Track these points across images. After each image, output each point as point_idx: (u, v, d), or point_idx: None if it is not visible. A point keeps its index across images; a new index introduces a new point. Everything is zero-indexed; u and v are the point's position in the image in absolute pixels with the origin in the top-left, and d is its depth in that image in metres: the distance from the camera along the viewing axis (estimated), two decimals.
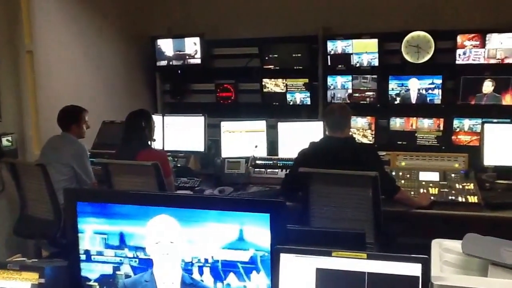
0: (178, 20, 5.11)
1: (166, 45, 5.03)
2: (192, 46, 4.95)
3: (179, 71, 5.12)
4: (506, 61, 4.05)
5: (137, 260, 1.55)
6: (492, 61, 4.09)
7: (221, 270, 1.50)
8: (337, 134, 3.29)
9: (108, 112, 4.63)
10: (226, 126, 4.34)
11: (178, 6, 5.13)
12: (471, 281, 1.56)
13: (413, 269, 1.45)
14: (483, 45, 4.08)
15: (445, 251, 1.78)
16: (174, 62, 5.05)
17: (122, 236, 1.56)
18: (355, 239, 1.91)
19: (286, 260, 1.48)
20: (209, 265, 1.50)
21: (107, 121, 4.54)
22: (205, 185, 3.90)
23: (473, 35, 4.10)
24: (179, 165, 4.24)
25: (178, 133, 4.46)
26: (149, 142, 3.61)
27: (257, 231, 1.48)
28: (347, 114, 3.40)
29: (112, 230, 1.57)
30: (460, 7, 4.27)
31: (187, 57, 4.98)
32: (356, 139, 4.35)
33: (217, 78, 5.07)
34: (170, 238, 1.51)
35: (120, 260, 1.57)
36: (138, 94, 5.25)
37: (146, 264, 1.55)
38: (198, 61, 4.96)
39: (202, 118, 4.38)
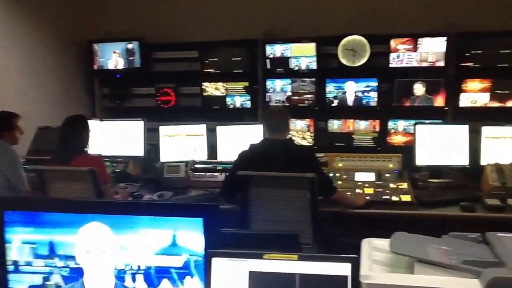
0: (116, 23, 5.01)
1: (105, 49, 4.92)
2: (131, 49, 4.87)
3: (117, 75, 5.02)
4: (437, 64, 4.24)
5: (67, 269, 1.51)
6: (424, 64, 4.27)
7: (154, 276, 1.48)
8: (276, 136, 3.33)
9: (45, 118, 4.47)
10: (165, 130, 4.29)
11: (117, 9, 5.04)
12: (398, 278, 1.61)
13: (343, 269, 1.47)
14: (415, 49, 4.25)
15: (374, 250, 1.83)
16: (113, 66, 4.94)
17: (52, 245, 1.51)
18: (289, 241, 1.93)
19: (219, 264, 1.47)
20: (142, 271, 1.48)
21: (42, 127, 4.38)
22: (145, 190, 3.83)
23: (405, 39, 4.26)
24: (117, 170, 4.15)
25: (116, 138, 4.36)
26: (85, 148, 3.52)
27: (191, 235, 1.47)
28: (286, 117, 3.45)
29: (41, 239, 1.51)
30: (393, 12, 4.44)
31: (126, 61, 4.89)
32: (295, 141, 4.44)
33: (157, 82, 5.02)
34: (101, 247, 1.48)
35: (50, 270, 1.52)
36: (76, 98, 5.10)
37: (77, 273, 1.51)
38: (138, 65, 4.88)
39: (141, 122, 4.31)
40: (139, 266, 1.48)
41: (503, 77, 4.17)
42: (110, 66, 4.96)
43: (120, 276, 1.48)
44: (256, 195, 3.08)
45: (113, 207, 1.56)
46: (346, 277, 1.46)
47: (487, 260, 1.64)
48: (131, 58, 4.89)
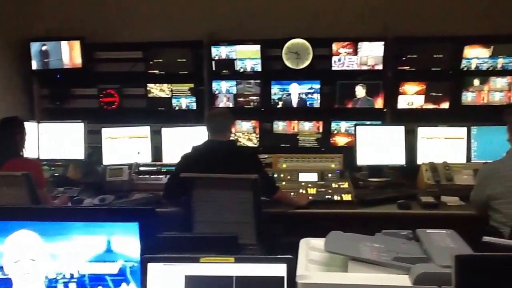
0: (56, 22, 4.84)
1: (44, 48, 4.76)
2: (72, 49, 4.73)
3: (57, 75, 4.87)
4: (376, 67, 4.36)
5: None
6: (364, 68, 4.39)
7: (88, 284, 1.45)
8: (219, 138, 3.35)
9: None
10: (108, 132, 4.21)
11: (57, 8, 4.88)
12: (332, 277, 1.66)
13: (279, 270, 1.49)
14: (355, 52, 4.36)
15: (311, 250, 1.87)
16: (52, 66, 4.79)
17: None
18: (228, 243, 1.94)
19: (155, 269, 1.45)
20: (75, 280, 1.45)
21: None
22: (85, 194, 3.75)
23: (346, 43, 4.36)
24: (56, 174, 4.04)
25: (55, 140, 4.24)
26: (20, 151, 3.40)
27: (126, 241, 1.46)
28: (228, 119, 3.47)
29: None
30: (335, 17, 4.53)
31: (66, 60, 4.75)
32: (240, 142, 4.47)
33: (100, 82, 4.89)
34: (30, 256, 1.44)
35: None
36: (14, 99, 4.89)
37: (5, 284, 1.46)
38: (79, 65, 4.75)
39: (82, 124, 4.21)
40: (72, 275, 1.45)
41: (437, 80, 4.34)
42: (50, 66, 4.79)
43: (51, 285, 1.44)
44: (199, 197, 3.08)
45: (43, 213, 1.52)
46: (282, 277, 1.48)
47: (416, 256, 1.71)
48: (71, 58, 4.74)
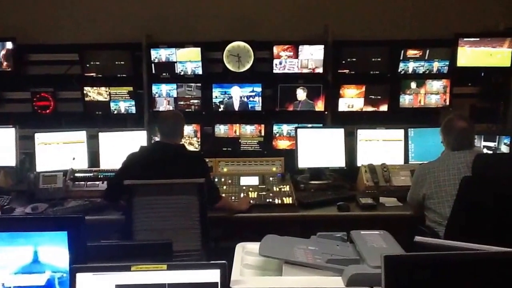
0: None
1: None
2: (3, 51, 4.51)
3: None
4: (317, 70, 4.41)
5: None
6: (305, 71, 4.42)
7: None
8: (169, 140, 3.28)
9: None
10: (42, 137, 4.03)
11: None
12: (266, 281, 1.64)
13: (213, 276, 1.47)
14: (296, 55, 4.39)
15: (247, 254, 1.85)
16: None
17: None
18: (163, 250, 1.89)
19: (84, 279, 1.40)
20: None
21: None
22: (17, 202, 3.57)
23: (287, 46, 4.39)
24: None
25: None
26: None
27: (54, 251, 1.40)
28: (180, 121, 3.42)
29: None
30: (276, 20, 4.56)
31: None
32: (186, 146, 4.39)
33: (33, 86, 4.68)
34: None
35: None
36: None
37: None
38: (10, 67, 4.52)
39: (13, 129, 4.01)
40: None
41: (376, 83, 4.44)
42: None
43: None
44: (141, 203, 2.98)
45: None
46: (216, 283, 1.46)
47: (349, 257, 1.72)
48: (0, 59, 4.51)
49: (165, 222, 2.99)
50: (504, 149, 4.07)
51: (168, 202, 3.00)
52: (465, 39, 4.33)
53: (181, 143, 3.46)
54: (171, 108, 4.48)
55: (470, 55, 4.33)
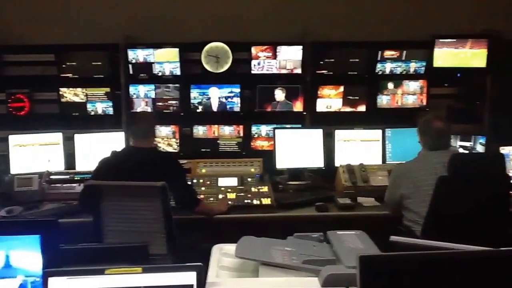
0: None
1: None
2: None
3: None
4: (295, 71, 4.41)
5: None
6: (283, 71, 4.42)
7: None
8: (142, 143, 3.25)
9: None
10: (16, 139, 3.96)
11: None
12: (242, 283, 1.63)
13: (189, 278, 1.46)
14: (274, 56, 4.39)
15: (223, 256, 1.84)
16: None
17: None
18: (138, 253, 1.87)
19: (57, 284, 1.37)
20: None
21: None
22: None
23: (265, 47, 4.38)
24: None
25: None
26: None
27: (27, 255, 1.38)
28: (151, 122, 3.38)
29: None
30: (254, 20, 4.54)
31: None
32: (161, 148, 4.36)
33: (8, 87, 4.59)
34: None
35: None
36: None
37: None
38: None
39: None
40: None
41: (354, 84, 4.47)
42: None
43: None
44: (109, 206, 2.95)
45: None
46: (192, 286, 1.45)
47: (325, 258, 1.72)
48: None
49: (133, 225, 2.97)
50: (480, 149, 4.13)
51: (133, 205, 2.98)
52: (441, 40, 4.38)
53: (153, 144, 3.43)
54: (149, 110, 4.43)
55: (446, 56, 4.38)
